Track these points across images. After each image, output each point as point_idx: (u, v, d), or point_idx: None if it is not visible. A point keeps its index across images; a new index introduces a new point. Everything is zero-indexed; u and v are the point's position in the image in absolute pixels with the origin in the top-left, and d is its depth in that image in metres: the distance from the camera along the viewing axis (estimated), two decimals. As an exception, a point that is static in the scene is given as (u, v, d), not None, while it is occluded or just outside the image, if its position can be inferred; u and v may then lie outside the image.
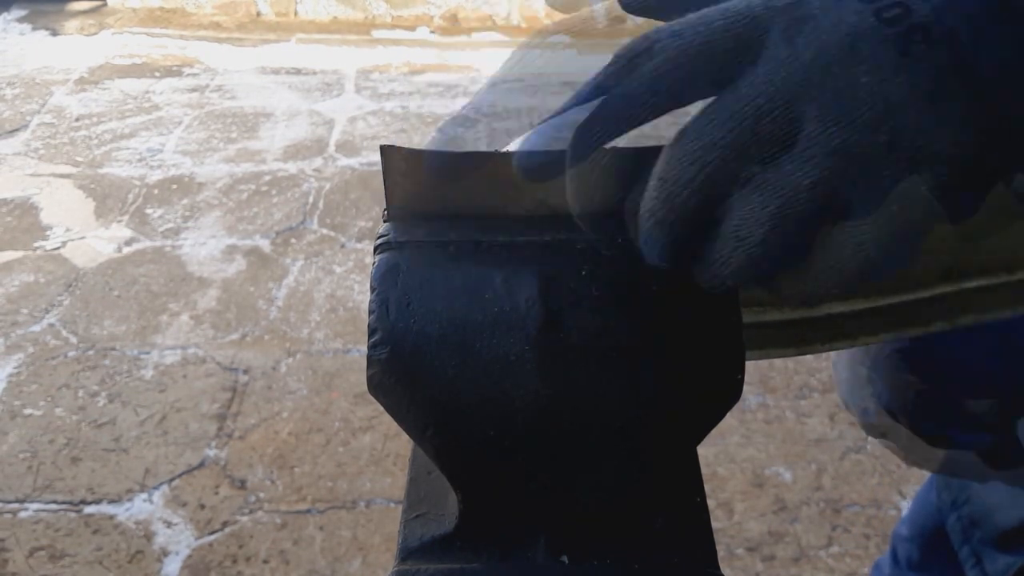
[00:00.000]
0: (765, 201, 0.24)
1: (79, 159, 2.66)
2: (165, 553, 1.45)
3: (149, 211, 2.40)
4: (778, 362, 1.84)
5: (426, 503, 0.31)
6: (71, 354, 1.88)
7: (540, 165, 0.29)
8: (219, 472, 1.60)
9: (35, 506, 1.53)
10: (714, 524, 0.29)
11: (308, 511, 1.53)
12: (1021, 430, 0.51)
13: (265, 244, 2.27)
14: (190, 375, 1.83)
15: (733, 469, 1.63)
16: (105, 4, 3.90)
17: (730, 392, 0.28)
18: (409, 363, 0.27)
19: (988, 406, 0.40)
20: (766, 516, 1.53)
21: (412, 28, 3.77)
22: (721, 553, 1.46)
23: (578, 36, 0.40)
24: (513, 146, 0.30)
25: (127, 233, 2.31)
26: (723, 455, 1.65)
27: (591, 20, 0.39)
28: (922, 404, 0.38)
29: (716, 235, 0.25)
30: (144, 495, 1.55)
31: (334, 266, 2.19)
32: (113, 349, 1.90)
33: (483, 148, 0.30)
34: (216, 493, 1.56)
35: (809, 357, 1.64)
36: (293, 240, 2.29)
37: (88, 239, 2.28)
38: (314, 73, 3.30)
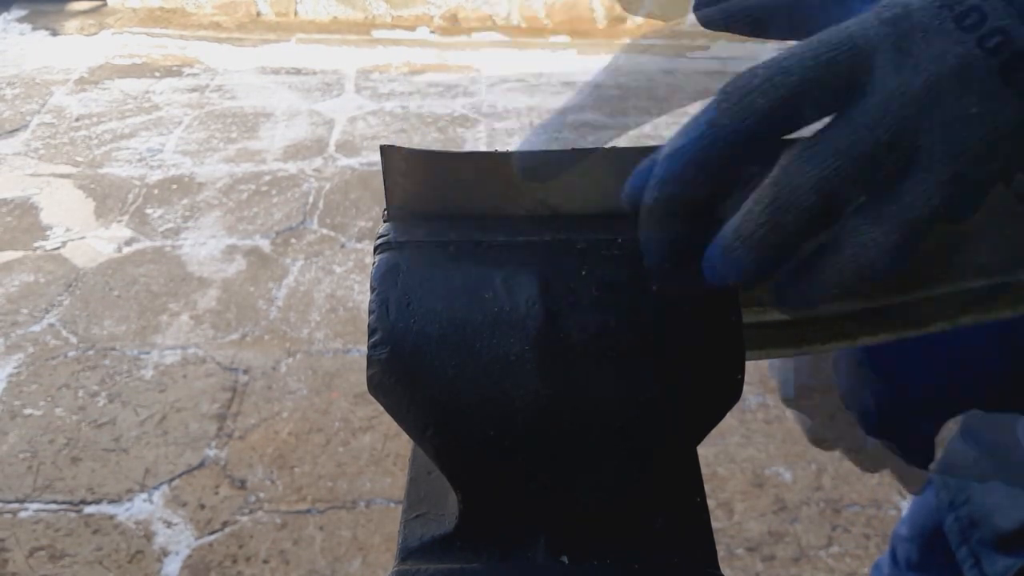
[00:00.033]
0: (887, 231, 0.24)
1: (79, 159, 2.66)
2: (165, 553, 1.45)
3: (149, 211, 2.40)
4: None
5: (426, 503, 0.31)
6: (71, 354, 1.88)
7: (540, 165, 0.29)
8: (219, 472, 1.60)
9: (35, 506, 1.53)
10: (714, 524, 0.29)
11: (308, 511, 1.53)
12: (1022, 431, 0.51)
13: (265, 244, 2.27)
14: (190, 375, 1.83)
15: (733, 469, 1.63)
16: (105, 4, 3.90)
17: (730, 392, 0.28)
18: (409, 363, 0.27)
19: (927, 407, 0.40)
20: (766, 516, 1.53)
21: (412, 28, 3.77)
22: (721, 553, 1.46)
23: (671, 38, 0.41)
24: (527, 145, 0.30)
25: (127, 233, 2.31)
26: (723, 455, 1.65)
27: (680, 25, 0.39)
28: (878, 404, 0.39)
29: (819, 261, 0.26)
30: (144, 495, 1.55)
31: (334, 266, 2.19)
32: (113, 349, 1.90)
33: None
34: (216, 493, 1.56)
35: (809, 357, 1.64)
36: (293, 240, 2.29)
37: (88, 239, 2.28)
38: (314, 73, 3.30)
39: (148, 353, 1.89)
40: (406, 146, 0.28)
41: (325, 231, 2.32)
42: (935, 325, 0.33)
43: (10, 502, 1.53)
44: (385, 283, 0.28)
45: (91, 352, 1.89)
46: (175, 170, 2.61)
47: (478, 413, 0.27)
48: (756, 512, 1.54)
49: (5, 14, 3.78)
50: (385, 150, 0.29)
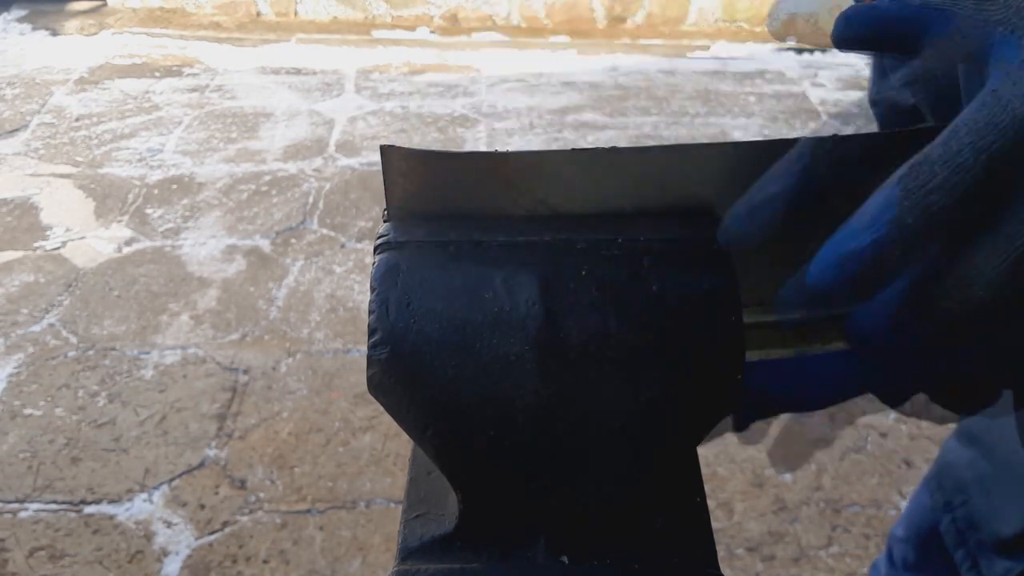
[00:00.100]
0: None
1: (79, 159, 2.66)
2: (165, 553, 1.45)
3: (149, 211, 2.40)
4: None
5: (426, 503, 0.31)
6: (71, 354, 1.88)
7: (540, 165, 0.29)
8: (219, 472, 1.60)
9: (35, 506, 1.53)
10: (714, 524, 0.29)
11: (308, 511, 1.53)
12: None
13: (265, 244, 2.27)
14: (190, 375, 1.83)
15: (733, 469, 1.63)
16: (105, 4, 3.90)
17: (730, 392, 0.28)
18: (409, 363, 0.27)
19: None
20: (766, 516, 1.53)
21: (412, 28, 3.77)
22: (721, 553, 1.46)
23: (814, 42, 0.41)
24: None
25: (127, 233, 2.31)
26: (723, 455, 1.65)
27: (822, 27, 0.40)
28: None
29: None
30: (144, 495, 1.55)
31: (334, 266, 2.19)
32: (113, 349, 1.90)
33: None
34: (216, 493, 1.56)
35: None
36: (293, 240, 2.29)
37: (88, 239, 2.28)
38: (314, 73, 3.30)
39: (148, 353, 1.89)
40: (406, 146, 0.28)
41: (325, 231, 2.32)
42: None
43: (10, 502, 1.53)
44: (385, 283, 0.28)
45: (91, 352, 1.89)
46: (175, 170, 2.61)
47: (478, 413, 0.27)
48: (756, 512, 1.54)
49: (5, 14, 3.78)
50: (385, 150, 0.29)
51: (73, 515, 1.51)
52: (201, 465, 1.62)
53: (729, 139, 2.75)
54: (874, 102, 0.43)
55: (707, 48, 3.70)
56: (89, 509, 1.53)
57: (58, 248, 2.24)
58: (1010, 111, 0.24)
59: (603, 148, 0.28)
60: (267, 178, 2.57)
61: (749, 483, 1.60)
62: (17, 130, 2.83)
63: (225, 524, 1.50)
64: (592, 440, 0.28)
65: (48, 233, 2.31)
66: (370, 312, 0.28)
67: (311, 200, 2.46)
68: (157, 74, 3.27)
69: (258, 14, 3.87)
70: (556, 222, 0.30)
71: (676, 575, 0.28)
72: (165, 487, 1.57)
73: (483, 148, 2.65)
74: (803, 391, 0.31)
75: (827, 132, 0.27)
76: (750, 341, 0.29)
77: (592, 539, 0.29)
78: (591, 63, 3.47)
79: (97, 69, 3.30)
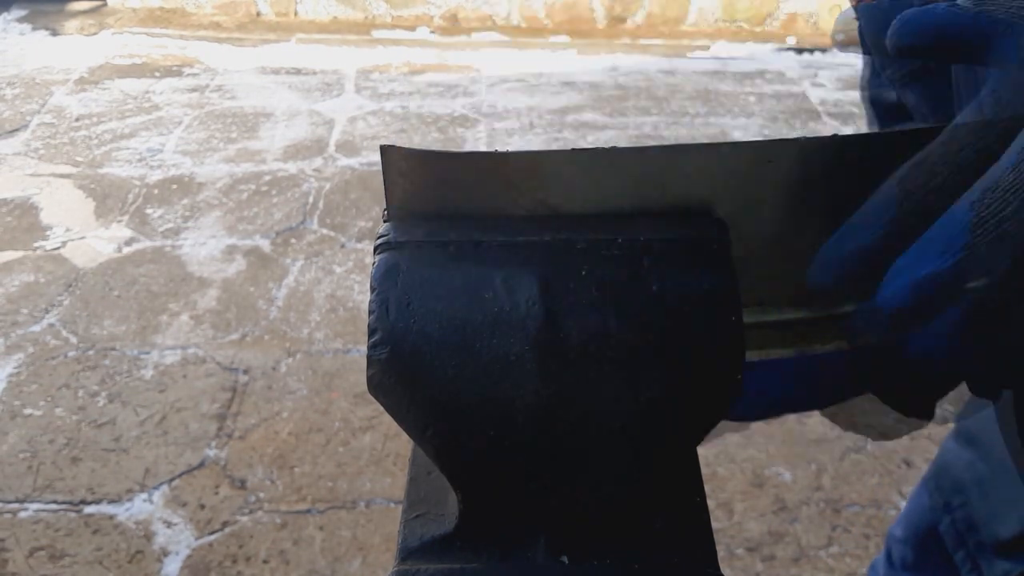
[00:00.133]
0: None
1: (79, 159, 2.66)
2: (165, 553, 1.45)
3: (149, 211, 2.40)
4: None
5: (426, 503, 0.31)
6: (71, 354, 1.88)
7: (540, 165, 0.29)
8: (219, 472, 1.60)
9: (35, 506, 1.53)
10: (714, 524, 0.30)
11: (308, 511, 1.53)
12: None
13: (265, 244, 2.27)
14: (190, 375, 1.83)
15: (733, 469, 1.63)
16: (105, 4, 3.90)
17: (730, 392, 0.28)
18: (409, 363, 0.27)
19: None
20: (766, 516, 1.53)
21: (412, 28, 3.77)
22: (721, 553, 1.46)
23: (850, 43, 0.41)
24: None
25: (127, 233, 2.31)
26: (723, 455, 1.65)
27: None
28: None
29: None
30: (144, 495, 1.55)
31: (334, 266, 2.19)
32: (113, 349, 1.90)
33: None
34: (216, 493, 1.56)
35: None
36: (293, 240, 2.29)
37: (88, 239, 2.28)
38: (314, 73, 3.30)
39: (148, 353, 1.89)
40: (406, 146, 0.28)
41: (325, 231, 2.32)
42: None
43: (10, 502, 1.53)
44: (385, 283, 0.28)
45: (91, 352, 1.89)
46: (175, 170, 2.61)
47: (478, 413, 0.27)
48: (756, 512, 1.54)
49: (5, 14, 3.78)
50: (385, 150, 0.29)
51: (73, 515, 1.51)
52: (201, 465, 1.62)
53: (729, 139, 2.75)
54: (865, 96, 0.43)
55: (707, 48, 3.70)
56: (89, 509, 1.53)
57: (58, 248, 2.24)
58: (1010, 111, 0.24)
59: (603, 148, 0.28)
60: (267, 178, 2.57)
61: (749, 483, 1.60)
62: (17, 130, 2.83)
63: (225, 524, 1.50)
64: (592, 440, 0.28)
65: (48, 233, 2.31)
66: (370, 312, 0.28)
67: (311, 200, 2.46)
68: (157, 74, 3.27)
69: (258, 14, 3.87)
70: (556, 222, 0.29)
71: (676, 575, 0.28)
72: (165, 487, 1.57)
73: (483, 148, 2.65)
74: (803, 391, 0.30)
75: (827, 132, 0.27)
76: (750, 341, 0.29)
77: (592, 539, 0.29)
78: (591, 63, 3.47)
79: (97, 69, 3.30)
